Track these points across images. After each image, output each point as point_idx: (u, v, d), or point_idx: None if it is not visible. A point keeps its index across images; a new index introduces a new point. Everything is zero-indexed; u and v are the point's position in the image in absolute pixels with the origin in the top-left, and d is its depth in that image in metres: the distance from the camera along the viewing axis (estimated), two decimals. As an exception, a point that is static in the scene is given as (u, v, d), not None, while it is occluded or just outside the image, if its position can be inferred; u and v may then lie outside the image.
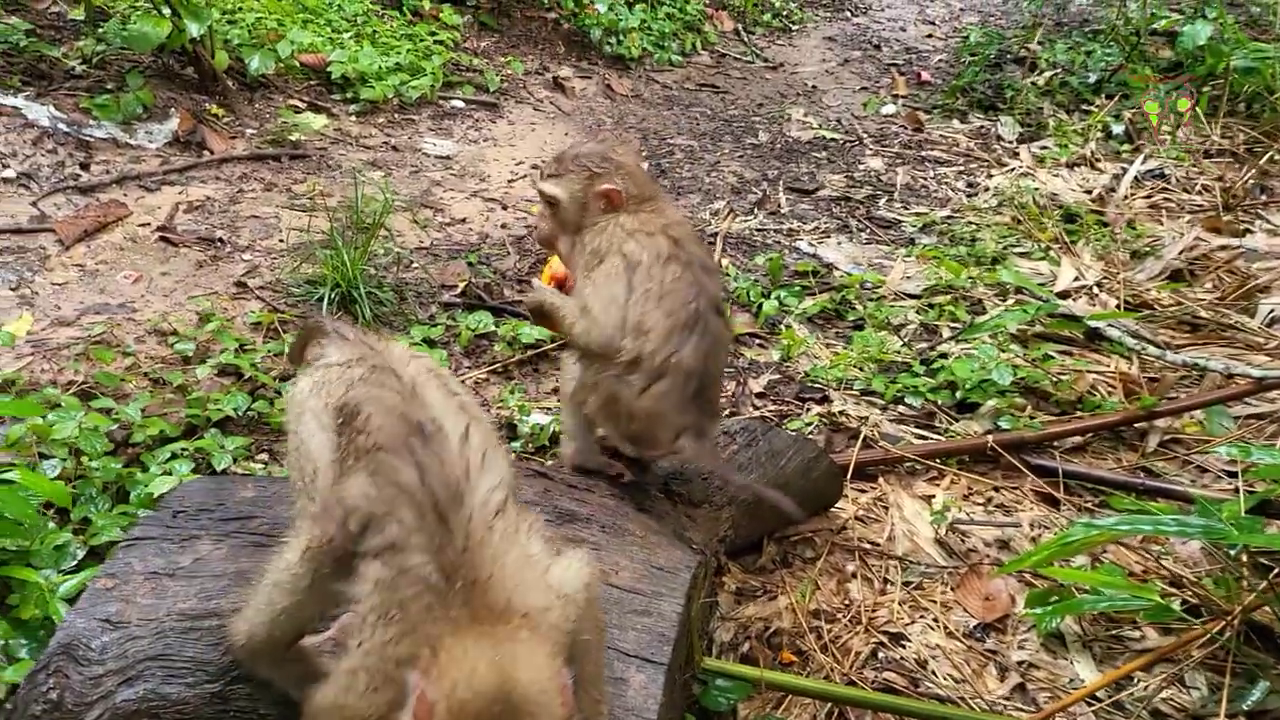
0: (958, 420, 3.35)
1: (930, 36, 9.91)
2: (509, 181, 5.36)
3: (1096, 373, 3.59)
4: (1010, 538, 2.81)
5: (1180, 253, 4.43)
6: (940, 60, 8.91)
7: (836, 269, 4.56)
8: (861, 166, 6.13)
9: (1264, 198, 5.16)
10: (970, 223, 5.09)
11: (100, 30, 5.04)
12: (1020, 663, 2.40)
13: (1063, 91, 7.10)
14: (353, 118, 5.72)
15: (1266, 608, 2.25)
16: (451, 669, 1.26)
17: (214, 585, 1.84)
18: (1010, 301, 4.10)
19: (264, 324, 3.52)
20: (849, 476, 2.95)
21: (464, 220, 4.82)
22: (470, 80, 6.53)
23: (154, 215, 4.20)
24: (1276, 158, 5.45)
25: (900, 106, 7.38)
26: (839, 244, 4.91)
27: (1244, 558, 2.35)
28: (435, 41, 6.58)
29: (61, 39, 5.15)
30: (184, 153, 4.77)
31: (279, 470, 2.82)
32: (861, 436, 3.14)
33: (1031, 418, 3.28)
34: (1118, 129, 6.24)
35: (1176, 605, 2.25)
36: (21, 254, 3.71)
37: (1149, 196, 5.27)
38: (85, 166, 4.38)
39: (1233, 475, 2.96)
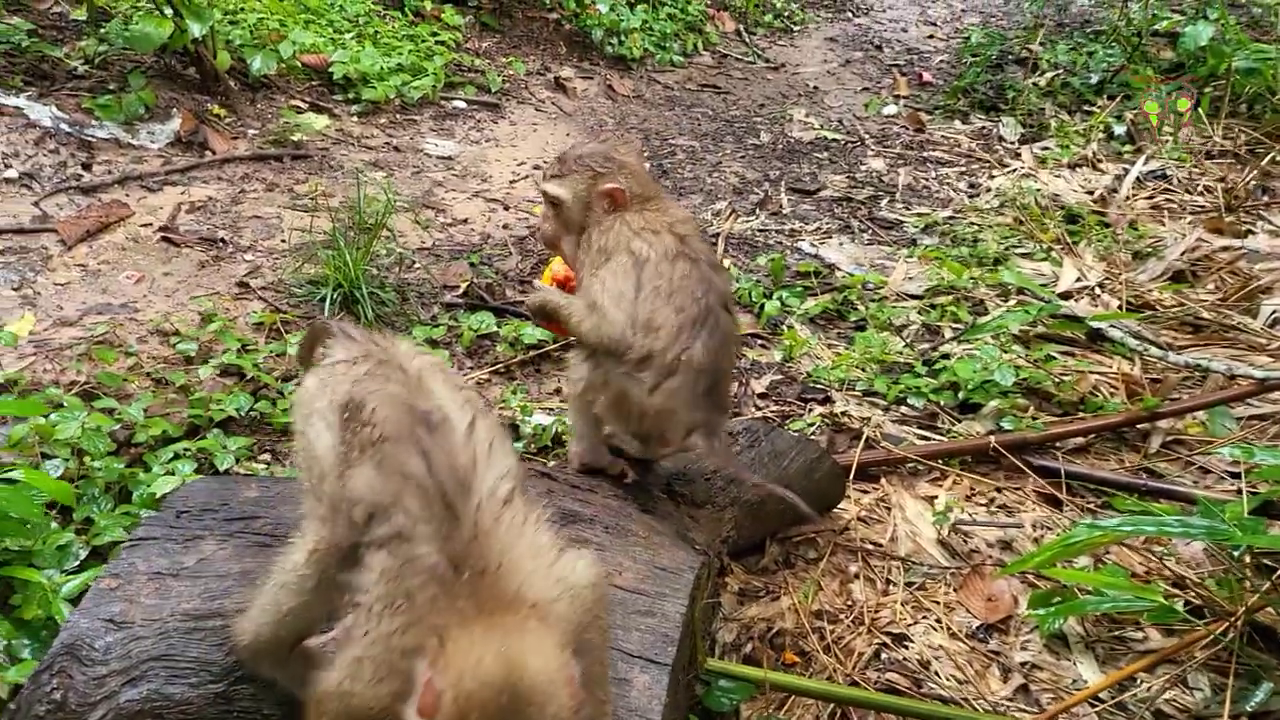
0: (960, 421, 3.35)
1: (932, 37, 9.92)
2: (511, 182, 5.36)
3: (1099, 374, 3.59)
4: (1013, 538, 2.82)
5: (1182, 254, 4.42)
6: (942, 61, 8.92)
7: (838, 269, 4.56)
8: (863, 167, 6.13)
9: (1266, 199, 5.16)
10: (972, 223, 5.09)
11: (102, 30, 5.04)
12: (1023, 664, 2.40)
13: (1064, 92, 7.11)
14: (354, 118, 5.72)
15: (1270, 609, 2.25)
16: (458, 659, 1.24)
17: (218, 585, 1.84)
18: (1012, 302, 4.10)
19: (266, 324, 3.52)
20: (851, 477, 2.95)
21: (466, 221, 4.82)
22: (472, 81, 6.53)
23: (156, 215, 4.21)
24: (1278, 159, 5.45)
25: (902, 107, 7.38)
26: (841, 244, 4.91)
27: (1247, 559, 2.35)
28: (437, 42, 6.58)
29: (64, 39, 5.15)
30: (186, 153, 4.77)
31: (282, 470, 2.82)
32: (864, 437, 3.14)
33: (1034, 418, 3.28)
34: (1119, 130, 6.25)
35: (1179, 606, 2.24)
36: (24, 254, 3.71)
37: (1151, 197, 5.27)
38: (87, 167, 4.38)
39: (1235, 476, 2.96)
